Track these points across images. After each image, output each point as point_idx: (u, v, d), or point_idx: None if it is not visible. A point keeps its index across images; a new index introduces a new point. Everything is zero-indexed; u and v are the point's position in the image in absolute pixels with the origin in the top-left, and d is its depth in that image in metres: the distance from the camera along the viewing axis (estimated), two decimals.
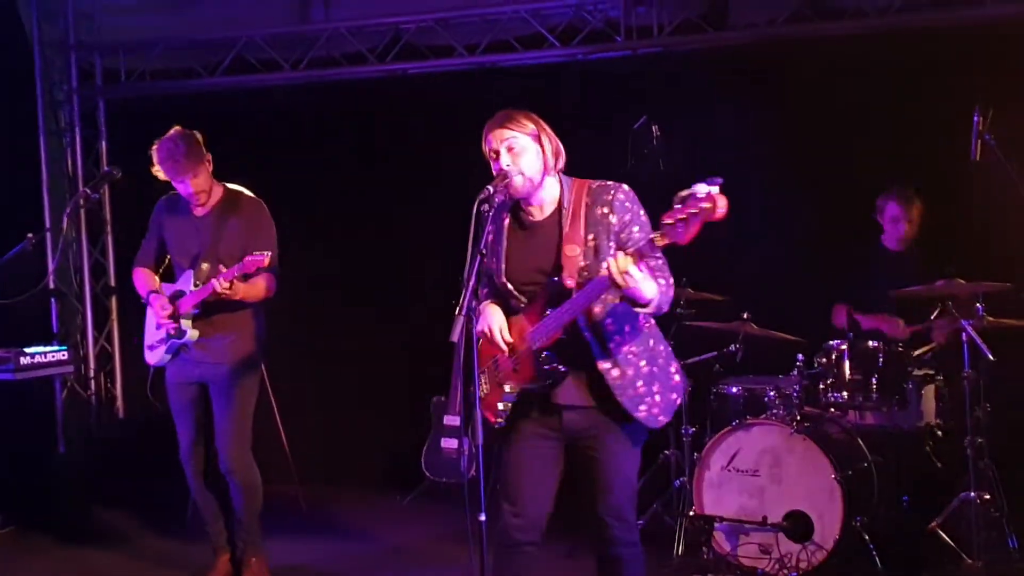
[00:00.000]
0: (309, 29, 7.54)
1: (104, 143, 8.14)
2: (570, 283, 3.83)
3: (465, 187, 3.92)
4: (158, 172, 5.27)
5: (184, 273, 5.39)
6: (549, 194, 3.95)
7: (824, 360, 5.80)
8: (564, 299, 3.82)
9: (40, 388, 7.62)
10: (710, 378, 6.17)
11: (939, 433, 5.81)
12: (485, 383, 4.04)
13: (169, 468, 7.02)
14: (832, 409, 5.82)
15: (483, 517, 3.70)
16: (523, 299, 3.95)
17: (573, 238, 3.86)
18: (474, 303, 3.82)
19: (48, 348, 5.00)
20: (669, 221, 3.57)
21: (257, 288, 5.31)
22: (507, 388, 3.96)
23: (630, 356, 3.89)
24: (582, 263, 3.83)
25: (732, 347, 6.02)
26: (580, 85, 7.04)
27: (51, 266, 6.68)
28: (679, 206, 3.54)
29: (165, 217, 5.51)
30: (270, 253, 5.08)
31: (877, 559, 5.33)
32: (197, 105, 7.61)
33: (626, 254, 3.61)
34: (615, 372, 3.87)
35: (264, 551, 5.58)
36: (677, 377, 4.04)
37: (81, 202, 5.16)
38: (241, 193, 5.48)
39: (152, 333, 5.48)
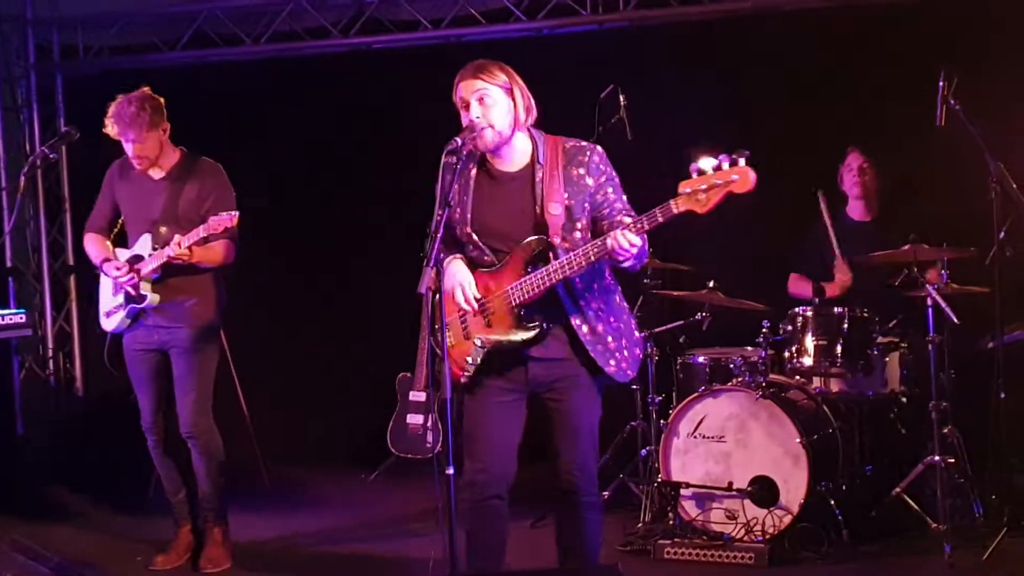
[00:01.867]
0: (271, 2, 7.42)
1: (62, 120, 8.01)
2: (556, 240, 3.83)
3: (430, 161, 3.88)
4: (108, 127, 5.20)
5: (140, 237, 5.30)
6: (519, 147, 3.94)
7: (789, 327, 5.81)
8: (545, 258, 3.82)
9: None
10: (676, 348, 6.17)
11: (904, 400, 5.83)
12: (451, 336, 4.01)
13: (130, 446, 7.01)
14: (797, 376, 5.83)
15: (451, 470, 3.68)
16: (487, 250, 3.91)
17: (554, 196, 3.85)
18: (442, 255, 3.80)
19: (5, 311, 4.93)
20: (688, 189, 3.59)
21: (214, 253, 5.23)
22: (477, 342, 3.93)
23: (600, 312, 3.91)
24: (562, 222, 3.84)
25: (699, 315, 6.02)
26: (546, 59, 7.01)
27: (7, 227, 6.57)
28: (702, 175, 3.55)
29: (118, 181, 5.43)
30: (237, 214, 5.02)
31: (842, 524, 5.34)
32: (157, 81, 7.48)
33: (631, 229, 3.64)
34: (585, 328, 3.87)
35: (226, 521, 5.51)
36: (637, 333, 4.08)
37: (38, 162, 5.09)
38: (198, 157, 5.40)
39: (108, 299, 5.41)
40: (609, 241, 3.68)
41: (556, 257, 3.81)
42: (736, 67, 6.76)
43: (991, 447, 5.69)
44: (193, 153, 5.41)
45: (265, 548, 5.85)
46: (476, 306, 3.89)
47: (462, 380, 3.98)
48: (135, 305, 5.26)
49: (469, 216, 3.92)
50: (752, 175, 3.56)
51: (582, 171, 3.87)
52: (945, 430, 5.42)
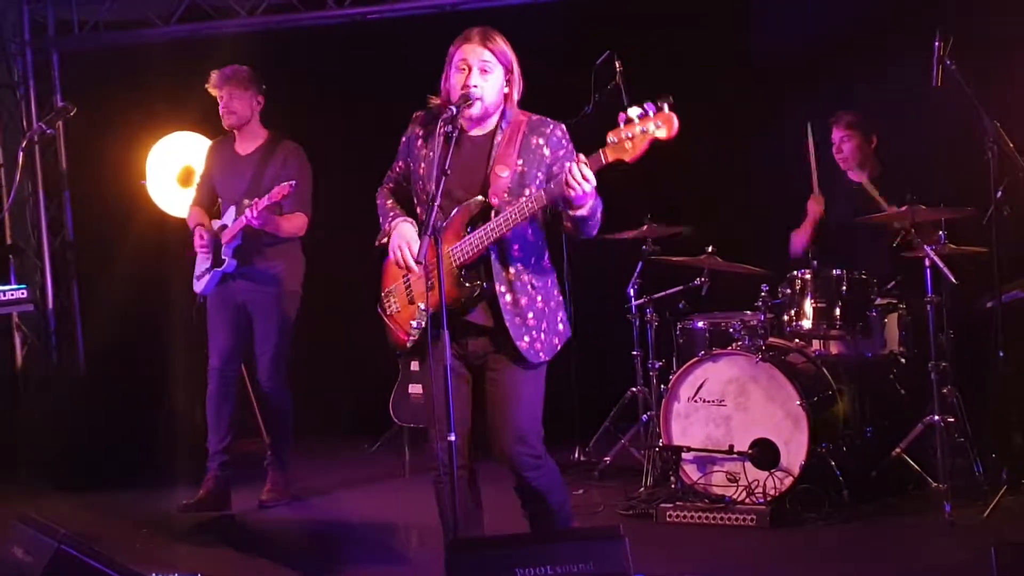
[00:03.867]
0: None
1: (59, 97, 7.98)
2: (495, 202, 3.84)
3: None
4: (210, 82, 5.81)
5: (228, 209, 5.80)
6: (491, 120, 3.95)
7: (788, 290, 5.83)
8: (485, 218, 3.83)
9: None
10: (676, 314, 6.18)
11: (903, 361, 5.85)
12: (395, 301, 4.02)
13: (132, 421, 7.05)
14: (796, 339, 5.85)
15: (453, 437, 3.70)
16: (440, 213, 3.84)
17: (504, 159, 3.87)
18: (439, 223, 3.80)
19: (6, 287, 4.96)
20: (615, 139, 3.61)
21: (288, 223, 5.75)
22: (421, 306, 3.93)
23: (528, 287, 3.90)
24: (508, 185, 3.83)
25: (698, 280, 6.03)
26: (541, 26, 6.99)
27: (6, 204, 6.60)
28: (628, 124, 3.58)
29: (213, 157, 5.99)
30: (295, 181, 5.47)
31: (843, 484, 5.36)
32: (153, 55, 7.52)
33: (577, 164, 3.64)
34: (509, 297, 3.88)
35: (286, 468, 6.00)
36: (562, 325, 4.03)
37: (35, 137, 5.15)
38: (283, 139, 5.91)
39: (199, 264, 5.91)
40: (562, 175, 3.66)
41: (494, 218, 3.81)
42: (731, 27, 6.74)
43: (990, 406, 5.73)
44: (278, 134, 5.94)
45: (269, 517, 5.89)
46: (416, 268, 3.85)
47: (407, 345, 3.99)
48: (217, 269, 5.75)
49: (435, 174, 3.81)
50: (675, 121, 3.57)
51: (541, 141, 3.89)
52: (944, 390, 5.44)
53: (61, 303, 8.07)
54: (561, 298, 4.06)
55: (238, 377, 6.04)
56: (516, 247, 3.87)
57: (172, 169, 7.18)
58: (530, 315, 3.89)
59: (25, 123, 7.82)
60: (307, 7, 7.37)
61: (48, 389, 7.81)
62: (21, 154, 5.10)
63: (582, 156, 3.72)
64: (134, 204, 7.48)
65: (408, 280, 3.98)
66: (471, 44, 3.85)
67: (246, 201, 5.60)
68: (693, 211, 6.38)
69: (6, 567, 3.80)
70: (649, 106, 3.60)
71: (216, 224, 5.87)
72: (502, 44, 3.88)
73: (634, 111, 3.62)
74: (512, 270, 3.87)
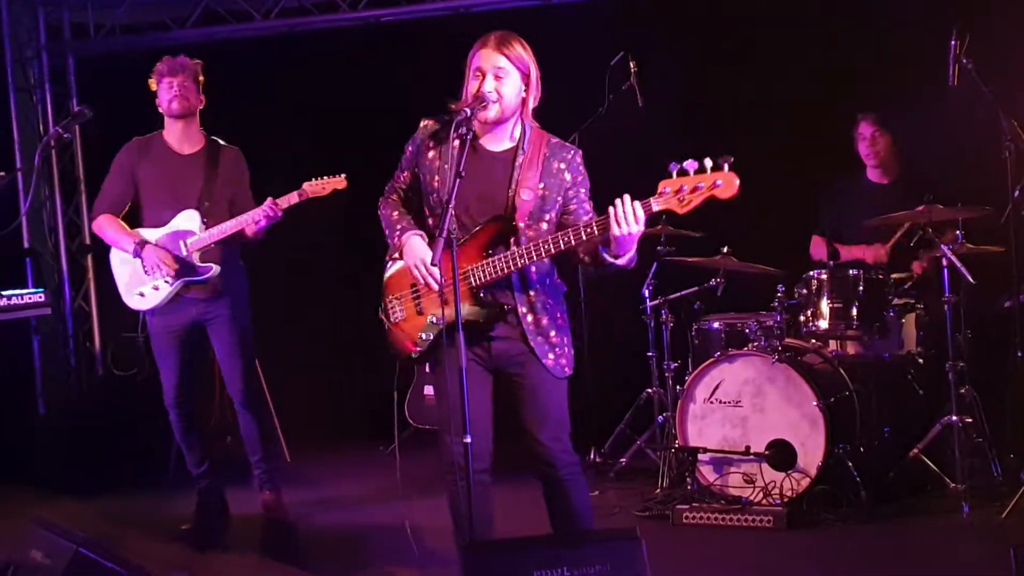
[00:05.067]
0: None
1: (74, 100, 8.03)
2: (521, 225, 3.82)
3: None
4: (152, 80, 5.43)
5: (176, 214, 5.34)
6: (510, 130, 3.91)
7: (804, 291, 5.81)
8: (506, 241, 3.81)
9: (17, 345, 7.60)
10: (691, 315, 6.17)
11: (920, 361, 5.83)
12: (402, 309, 4.00)
13: (150, 424, 7.06)
14: (813, 340, 5.83)
15: (468, 439, 3.69)
16: (454, 225, 3.82)
17: (527, 182, 3.84)
18: (453, 226, 3.78)
19: (25, 291, 4.97)
20: (669, 189, 3.56)
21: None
22: (432, 319, 3.91)
23: (547, 306, 3.91)
24: (531, 209, 3.82)
25: (713, 281, 6.02)
26: (554, 28, 6.99)
27: (23, 208, 6.63)
28: (683, 176, 3.53)
29: (138, 160, 5.46)
30: (301, 191, 5.28)
31: (861, 485, 5.34)
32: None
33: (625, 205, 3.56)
34: (531, 318, 3.88)
35: (278, 486, 5.66)
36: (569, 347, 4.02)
37: (52, 142, 5.11)
38: (218, 142, 5.53)
39: (137, 280, 5.38)
40: (613, 209, 3.57)
41: (518, 242, 3.79)
42: (750, 30, 6.72)
43: (1008, 406, 5.70)
44: (213, 137, 5.54)
45: (286, 520, 5.88)
46: (435, 285, 3.81)
47: (413, 355, 3.98)
48: (193, 277, 5.31)
49: (451, 176, 3.76)
50: (736, 182, 3.50)
51: (563, 166, 3.87)
52: (962, 390, 5.42)
53: (78, 306, 8.12)
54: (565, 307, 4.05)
55: (198, 406, 5.61)
56: (533, 269, 3.87)
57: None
58: (552, 333, 3.90)
59: (42, 127, 7.89)
60: (321, 11, 7.39)
61: (65, 392, 7.85)
62: (38, 158, 5.08)
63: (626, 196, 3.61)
64: None
65: (417, 291, 3.95)
66: (487, 50, 3.81)
67: (207, 204, 5.30)
68: (709, 213, 6.34)
69: (24, 570, 3.81)
70: (707, 162, 3.53)
71: (154, 233, 5.34)
72: (519, 49, 3.83)
73: (690, 165, 3.54)
74: (532, 292, 3.87)
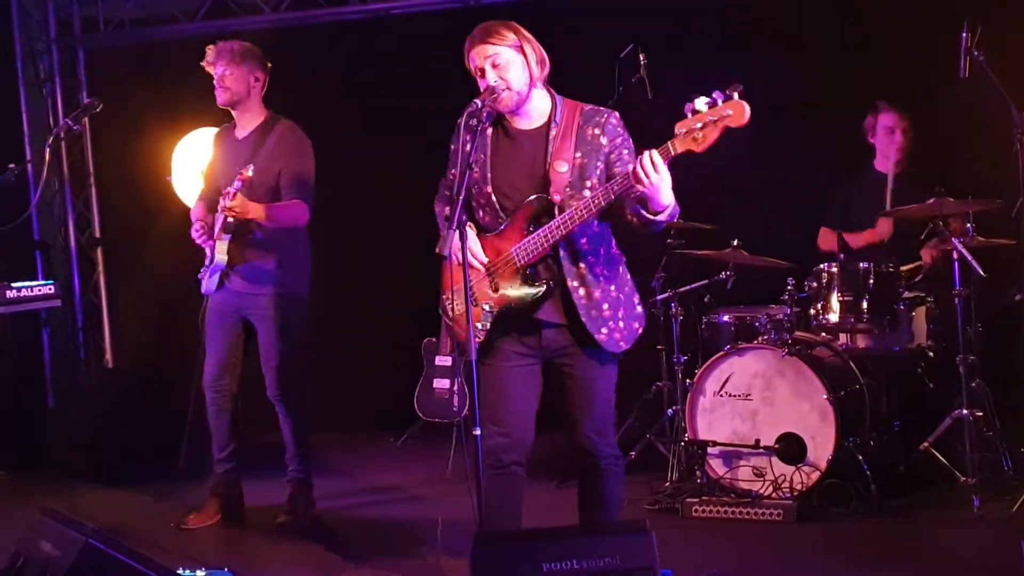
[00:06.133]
0: None
1: (84, 94, 8.03)
2: (557, 199, 3.82)
3: (450, 125, 3.92)
4: (206, 58, 5.40)
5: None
6: (537, 106, 3.93)
7: (814, 284, 5.78)
8: (548, 215, 3.81)
9: (27, 337, 7.62)
10: (701, 308, 6.16)
11: (931, 354, 5.80)
12: (459, 302, 3.99)
13: (159, 416, 7.08)
14: (823, 333, 5.81)
15: (478, 431, 3.69)
16: (500, 211, 3.90)
17: (562, 154, 3.84)
18: (463, 217, 3.79)
19: (34, 283, 4.99)
20: (684, 129, 3.56)
21: (284, 211, 5.28)
22: (486, 307, 3.93)
23: (600, 279, 3.89)
24: (568, 180, 3.82)
25: (723, 274, 6.00)
26: (565, 18, 6.97)
27: (33, 200, 6.64)
28: (696, 114, 3.54)
29: (215, 148, 5.61)
30: (251, 167, 5.06)
31: (871, 479, 5.33)
32: (178, 52, 7.53)
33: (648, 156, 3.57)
34: (582, 291, 3.86)
35: (309, 483, 5.63)
36: (640, 308, 4.03)
37: (62, 134, 5.15)
38: (280, 118, 5.50)
39: (206, 263, 5.50)
40: (631, 166, 3.61)
41: (559, 215, 3.79)
42: (759, 23, 6.70)
43: (1019, 400, 5.67)
44: (275, 115, 5.51)
45: (300, 521, 5.87)
46: (483, 270, 3.89)
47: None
48: (213, 266, 5.37)
49: (489, 175, 3.92)
50: (747, 108, 3.51)
51: (597, 131, 3.86)
52: (973, 383, 5.40)
53: (88, 299, 8.13)
54: (631, 279, 4.03)
55: (232, 391, 5.57)
56: (584, 240, 3.85)
57: (198, 165, 7.18)
58: (605, 306, 3.87)
59: (51, 120, 7.90)
60: (331, 3, 7.38)
61: (75, 384, 7.87)
62: (48, 151, 5.08)
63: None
64: (160, 200, 7.51)
65: (471, 282, 3.95)
66: (475, 47, 3.85)
67: (230, 189, 5.22)
68: (718, 205, 6.34)
69: (34, 562, 3.81)
70: (718, 94, 3.54)
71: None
72: (503, 30, 3.84)
73: (701, 101, 3.55)
74: (583, 264, 3.86)
